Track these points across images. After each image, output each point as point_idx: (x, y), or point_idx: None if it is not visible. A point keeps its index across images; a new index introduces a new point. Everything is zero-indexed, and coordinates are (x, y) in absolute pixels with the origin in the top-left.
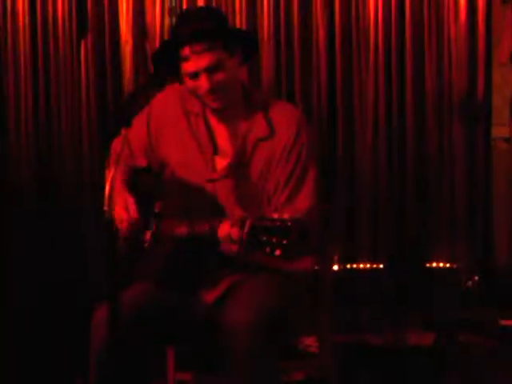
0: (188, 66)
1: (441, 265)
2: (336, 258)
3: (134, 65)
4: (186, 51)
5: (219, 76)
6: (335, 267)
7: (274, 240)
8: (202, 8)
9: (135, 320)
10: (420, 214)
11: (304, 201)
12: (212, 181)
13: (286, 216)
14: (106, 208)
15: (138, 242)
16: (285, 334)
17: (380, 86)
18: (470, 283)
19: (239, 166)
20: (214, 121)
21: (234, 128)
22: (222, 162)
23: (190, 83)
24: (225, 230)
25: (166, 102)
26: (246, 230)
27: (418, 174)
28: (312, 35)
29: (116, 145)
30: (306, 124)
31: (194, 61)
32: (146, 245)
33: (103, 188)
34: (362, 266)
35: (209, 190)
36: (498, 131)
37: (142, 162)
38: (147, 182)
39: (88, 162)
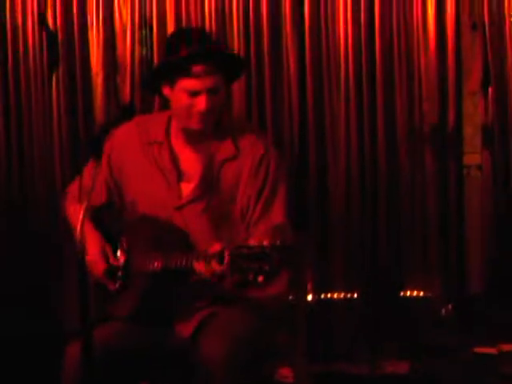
0: (194, 84)
1: (415, 293)
2: (310, 288)
3: (105, 96)
4: (197, 68)
5: (215, 99)
6: (309, 297)
7: (256, 266)
8: (201, 29)
9: (107, 361)
10: (393, 243)
11: (279, 212)
12: (179, 208)
13: (265, 242)
14: (79, 245)
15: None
16: (260, 366)
17: (351, 116)
18: (443, 311)
19: (206, 189)
20: (178, 147)
21: (200, 151)
22: (187, 188)
23: (186, 100)
24: (201, 267)
25: (124, 135)
26: (225, 261)
27: (391, 203)
28: (283, 63)
29: (86, 177)
30: (272, 145)
31: (203, 80)
32: (118, 284)
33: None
34: (336, 295)
35: (177, 218)
36: (471, 159)
37: (99, 200)
38: (108, 220)
39: (60, 193)
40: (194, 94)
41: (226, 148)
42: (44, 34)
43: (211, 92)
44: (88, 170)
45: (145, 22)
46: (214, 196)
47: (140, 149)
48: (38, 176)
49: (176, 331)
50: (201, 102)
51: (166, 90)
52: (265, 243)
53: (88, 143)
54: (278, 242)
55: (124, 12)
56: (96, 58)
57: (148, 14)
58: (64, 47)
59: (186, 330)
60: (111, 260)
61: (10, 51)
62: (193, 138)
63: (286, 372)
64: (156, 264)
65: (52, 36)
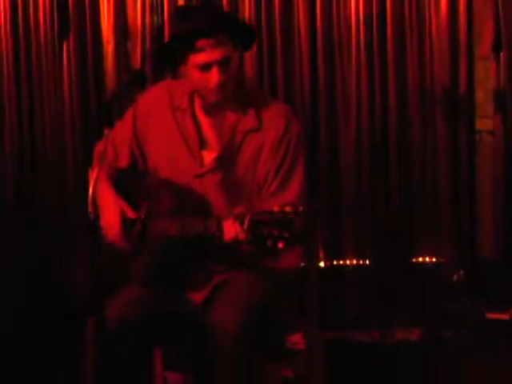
0: (201, 57)
1: (427, 260)
2: (322, 254)
3: (115, 64)
4: (203, 42)
5: (228, 70)
6: (321, 264)
7: (276, 233)
8: (208, 2)
9: (122, 333)
10: (405, 210)
11: (294, 190)
12: (200, 176)
13: (287, 209)
14: (90, 210)
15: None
16: (271, 331)
17: (362, 80)
18: (455, 278)
19: (227, 159)
20: (201, 115)
21: (223, 120)
22: (209, 156)
23: (197, 75)
24: (230, 228)
25: (153, 98)
26: (245, 225)
27: (402, 169)
28: (294, 32)
29: (99, 145)
30: (295, 118)
31: (209, 52)
32: (136, 240)
33: (87, 189)
34: (348, 262)
35: (197, 186)
36: (483, 124)
37: (123, 162)
38: (131, 182)
39: (71, 161)
40: (204, 68)
41: (248, 119)
42: (55, 1)
43: (222, 64)
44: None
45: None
46: (235, 167)
47: (165, 112)
48: (49, 145)
49: (189, 298)
50: (213, 76)
51: (182, 67)
52: (287, 209)
53: (99, 111)
54: (301, 209)
55: None
56: (107, 25)
57: None
58: (75, 15)
59: (198, 296)
60: (129, 214)
61: (21, 19)
62: (214, 108)
63: (296, 338)
64: (175, 229)
65: (63, 4)
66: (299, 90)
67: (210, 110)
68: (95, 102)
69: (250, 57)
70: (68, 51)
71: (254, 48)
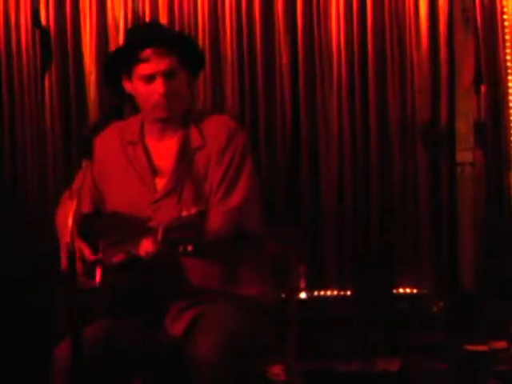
0: (147, 68)
1: (407, 291)
2: (303, 285)
3: (98, 95)
4: (148, 52)
5: (173, 83)
6: (302, 295)
7: (183, 236)
8: (155, 21)
9: (99, 356)
10: (386, 241)
11: (238, 196)
12: (155, 202)
13: (193, 211)
14: (68, 240)
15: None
16: (252, 363)
17: (344, 112)
18: (435, 309)
19: (179, 181)
20: (151, 143)
21: (171, 144)
22: (162, 182)
23: (143, 88)
24: (143, 246)
25: (105, 142)
26: (158, 237)
27: (383, 201)
28: (275, 62)
29: (78, 177)
30: (238, 129)
31: (155, 62)
32: (97, 282)
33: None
34: (329, 293)
35: (151, 212)
36: (464, 156)
37: (84, 208)
38: (96, 226)
39: (52, 192)
40: (149, 79)
41: (193, 139)
42: (37, 32)
43: (167, 75)
44: (79, 175)
45: (138, 21)
46: (187, 187)
47: (118, 152)
48: (30, 177)
49: (166, 329)
50: (157, 86)
51: (127, 85)
52: (192, 211)
53: (78, 144)
54: (203, 208)
55: (117, 11)
56: (89, 56)
57: (141, 13)
58: (57, 45)
59: (176, 328)
60: (87, 256)
61: (3, 49)
62: (163, 133)
63: (277, 370)
64: (119, 256)
65: (45, 34)
66: (281, 122)
67: (159, 137)
68: (77, 132)
69: (231, 88)
70: (50, 81)
71: (236, 79)
